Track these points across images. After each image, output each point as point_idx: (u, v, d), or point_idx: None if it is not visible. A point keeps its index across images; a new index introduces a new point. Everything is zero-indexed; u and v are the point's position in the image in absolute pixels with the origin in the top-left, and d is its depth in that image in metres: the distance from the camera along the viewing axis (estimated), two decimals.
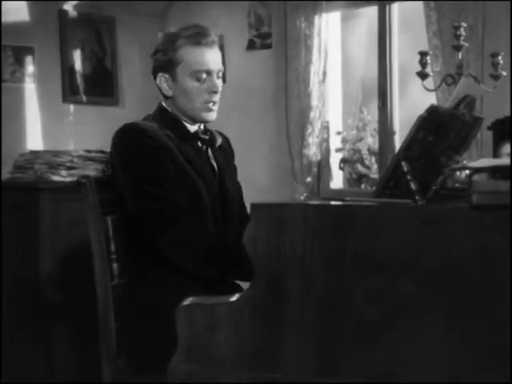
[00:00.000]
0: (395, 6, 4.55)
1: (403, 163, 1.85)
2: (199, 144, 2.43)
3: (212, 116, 2.41)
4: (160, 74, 2.39)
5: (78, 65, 5.07)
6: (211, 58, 2.37)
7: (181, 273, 2.26)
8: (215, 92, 2.38)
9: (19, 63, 4.74)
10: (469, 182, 1.70)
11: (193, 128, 2.43)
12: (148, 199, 2.25)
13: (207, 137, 2.45)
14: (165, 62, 2.37)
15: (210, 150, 2.47)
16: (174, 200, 2.26)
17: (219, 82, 2.40)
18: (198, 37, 2.35)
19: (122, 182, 2.30)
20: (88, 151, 3.79)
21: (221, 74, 2.41)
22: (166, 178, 2.27)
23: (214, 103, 2.39)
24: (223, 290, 2.03)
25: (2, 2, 4.48)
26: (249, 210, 1.78)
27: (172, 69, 2.36)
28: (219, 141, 2.49)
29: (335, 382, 1.69)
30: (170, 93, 2.39)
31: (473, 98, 2.15)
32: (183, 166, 2.31)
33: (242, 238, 1.75)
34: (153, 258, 2.30)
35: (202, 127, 2.46)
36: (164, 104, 2.44)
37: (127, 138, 2.31)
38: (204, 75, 2.35)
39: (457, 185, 2.35)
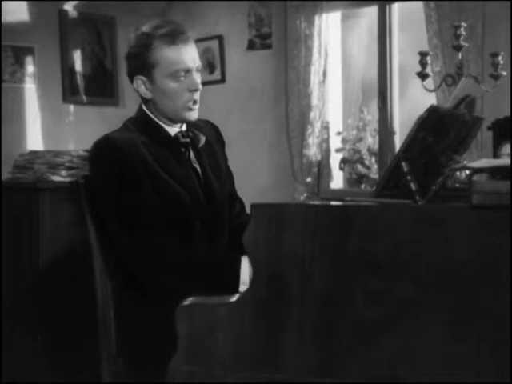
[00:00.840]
0: (395, 6, 4.55)
1: (403, 163, 1.85)
2: (181, 149, 2.36)
3: (194, 116, 2.34)
4: (136, 77, 2.32)
5: (78, 65, 5.07)
6: (188, 55, 2.29)
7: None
8: (196, 90, 2.31)
9: (19, 63, 4.74)
10: (469, 183, 1.70)
11: (173, 131, 2.36)
12: (121, 218, 2.22)
13: (188, 140, 2.36)
14: (140, 65, 2.29)
15: (192, 152, 2.38)
16: (148, 217, 2.21)
17: (198, 79, 2.32)
18: (172, 35, 2.26)
19: (98, 197, 2.27)
20: (88, 151, 3.78)
21: (199, 69, 2.33)
22: (141, 195, 2.22)
23: (195, 102, 2.32)
24: (223, 291, 2.02)
25: (2, 2, 4.47)
26: (249, 210, 1.78)
27: (148, 71, 2.29)
28: (202, 140, 2.39)
29: (335, 382, 1.69)
30: (148, 95, 2.33)
31: (473, 98, 2.15)
32: (162, 178, 2.25)
33: (239, 237, 1.75)
34: None
35: (183, 128, 2.39)
36: (144, 107, 2.38)
37: (101, 154, 2.26)
38: (182, 74, 2.28)
39: (457, 185, 2.35)
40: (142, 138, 2.29)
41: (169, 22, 2.35)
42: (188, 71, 2.29)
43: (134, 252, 2.20)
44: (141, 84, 2.33)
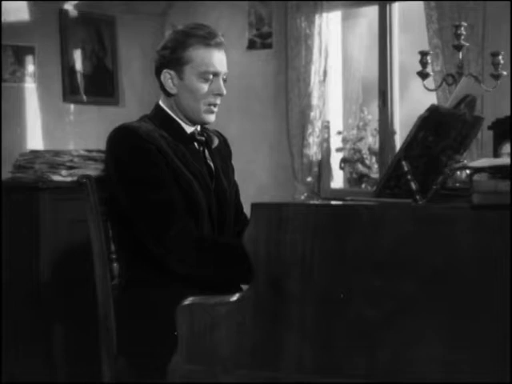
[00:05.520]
0: (396, 6, 4.56)
1: (404, 163, 1.85)
2: (195, 145, 2.41)
3: (212, 118, 2.40)
4: (165, 71, 2.36)
5: (78, 64, 5.07)
6: (219, 59, 2.38)
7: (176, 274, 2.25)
8: (220, 95, 2.38)
9: (19, 63, 4.74)
10: (469, 182, 1.70)
11: (189, 129, 2.41)
12: (143, 203, 2.24)
13: (204, 138, 2.43)
14: (172, 59, 2.35)
15: (206, 151, 2.44)
16: (169, 203, 2.24)
17: (223, 85, 2.40)
18: (208, 37, 2.36)
19: (116, 183, 2.29)
20: (88, 151, 3.79)
21: (225, 77, 2.41)
22: (161, 181, 2.25)
23: (216, 105, 2.39)
24: (222, 289, 2.02)
25: (2, 2, 4.47)
26: (249, 210, 1.78)
27: (179, 67, 2.34)
28: (215, 142, 2.47)
29: (335, 382, 1.69)
30: (173, 90, 2.37)
31: (473, 98, 2.16)
32: (179, 168, 2.29)
33: (241, 238, 1.75)
34: (148, 259, 2.29)
35: (198, 128, 2.44)
36: (161, 103, 2.42)
37: (121, 140, 2.29)
38: (211, 76, 2.35)
39: (457, 184, 2.35)
40: (159, 131, 2.34)
41: (205, 25, 2.43)
42: (216, 75, 2.37)
43: (158, 234, 2.22)
44: (168, 78, 2.37)
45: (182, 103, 2.37)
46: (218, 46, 2.39)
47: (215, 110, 2.39)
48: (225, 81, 2.41)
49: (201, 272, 2.23)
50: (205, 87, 2.35)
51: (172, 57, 2.35)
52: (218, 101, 2.39)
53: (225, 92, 2.40)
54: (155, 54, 2.41)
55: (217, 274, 2.23)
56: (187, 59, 2.34)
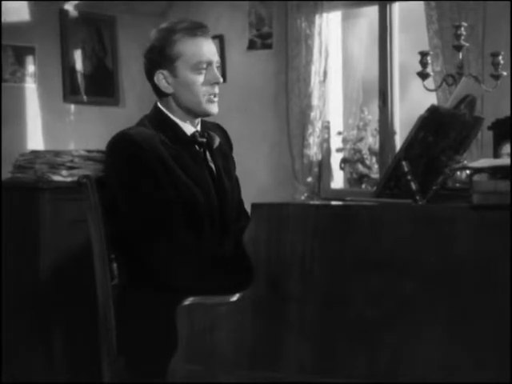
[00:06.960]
0: (396, 6, 4.55)
1: (404, 163, 1.85)
2: (196, 147, 2.39)
3: (215, 109, 2.37)
4: (158, 72, 2.34)
5: (78, 64, 5.07)
6: (208, 48, 2.34)
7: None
8: (217, 83, 2.35)
9: (20, 63, 4.74)
10: (469, 182, 1.70)
11: (190, 130, 2.39)
12: (141, 212, 2.23)
13: (205, 140, 2.40)
14: (163, 58, 2.32)
15: (207, 152, 2.42)
16: (164, 213, 2.22)
17: (218, 73, 2.37)
18: (193, 28, 2.32)
19: (115, 191, 2.28)
20: (89, 151, 3.79)
21: (219, 65, 2.38)
22: (156, 191, 2.23)
23: (216, 95, 2.36)
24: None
25: (2, 2, 4.47)
26: (249, 210, 1.78)
27: (171, 64, 2.32)
28: (217, 142, 2.44)
29: (335, 382, 1.69)
30: (170, 90, 2.35)
31: (473, 98, 2.16)
32: (178, 176, 2.27)
33: (242, 240, 1.75)
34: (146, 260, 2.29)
35: (199, 128, 2.42)
36: (160, 105, 2.40)
37: (118, 149, 2.26)
38: (204, 66, 2.32)
39: (457, 185, 2.35)
40: (159, 136, 2.31)
41: (187, 18, 2.40)
42: (209, 64, 2.34)
43: (152, 245, 2.21)
44: (162, 78, 2.35)
45: (182, 100, 2.35)
46: (205, 34, 2.34)
47: (216, 99, 2.37)
48: (218, 68, 2.37)
49: (191, 282, 2.21)
50: (200, 78, 2.33)
51: (161, 56, 2.32)
52: (217, 90, 2.36)
53: (221, 80, 2.36)
54: (143, 58, 2.38)
55: (210, 283, 2.22)
56: (177, 54, 2.31)
